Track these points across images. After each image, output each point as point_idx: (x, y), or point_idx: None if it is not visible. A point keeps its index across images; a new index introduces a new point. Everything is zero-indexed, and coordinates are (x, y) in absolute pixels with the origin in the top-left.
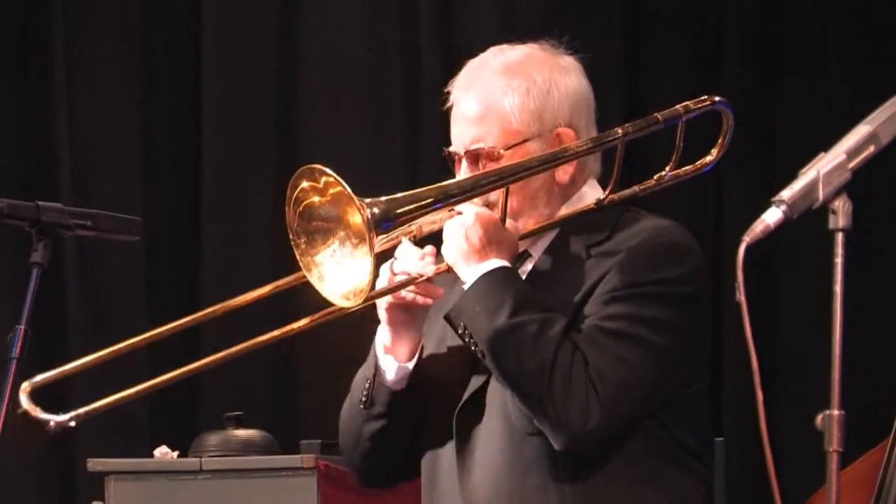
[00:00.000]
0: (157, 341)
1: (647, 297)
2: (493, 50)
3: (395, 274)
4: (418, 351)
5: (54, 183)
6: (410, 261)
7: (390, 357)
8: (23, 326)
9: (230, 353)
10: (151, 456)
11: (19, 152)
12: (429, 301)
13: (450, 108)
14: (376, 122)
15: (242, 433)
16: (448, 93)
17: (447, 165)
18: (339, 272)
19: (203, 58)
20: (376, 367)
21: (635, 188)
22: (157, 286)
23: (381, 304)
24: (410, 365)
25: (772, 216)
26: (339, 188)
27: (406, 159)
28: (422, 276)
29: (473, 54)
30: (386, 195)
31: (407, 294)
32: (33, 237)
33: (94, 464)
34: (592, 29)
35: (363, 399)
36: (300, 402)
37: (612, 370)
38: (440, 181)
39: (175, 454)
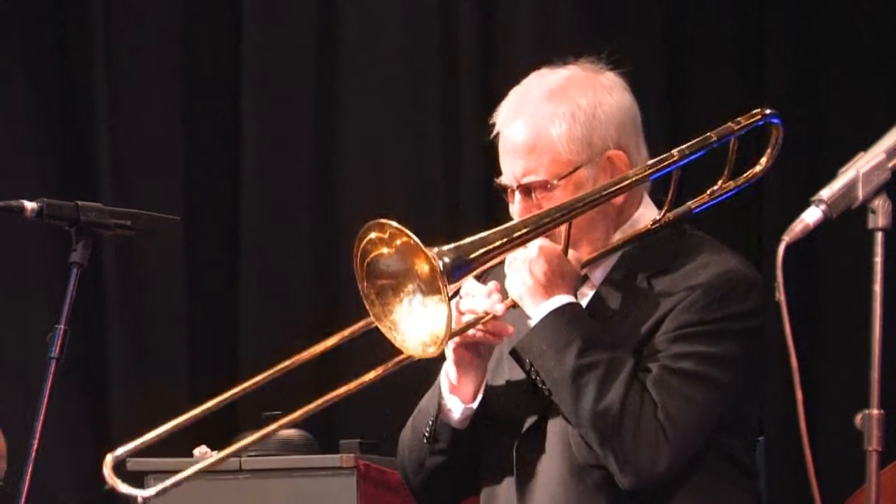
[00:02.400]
0: (195, 356)
1: (715, 334)
2: (534, 76)
3: (461, 313)
4: (482, 389)
5: (94, 183)
6: (478, 299)
7: (455, 397)
8: (62, 326)
9: (311, 409)
10: (191, 455)
11: (60, 152)
12: (497, 339)
13: (496, 137)
14: (415, 131)
15: (282, 433)
16: (493, 123)
17: (488, 177)
18: (413, 322)
19: (243, 59)
20: (440, 405)
21: (689, 205)
22: (197, 286)
23: (448, 344)
24: (475, 405)
25: (811, 216)
26: (406, 239)
27: (446, 173)
28: (489, 314)
29: (512, 64)
30: (423, 211)
31: (476, 333)
32: (73, 237)
33: (134, 463)
34: (632, 40)
35: (426, 434)
36: (339, 402)
37: (681, 412)
38: (481, 196)
39: (214, 453)
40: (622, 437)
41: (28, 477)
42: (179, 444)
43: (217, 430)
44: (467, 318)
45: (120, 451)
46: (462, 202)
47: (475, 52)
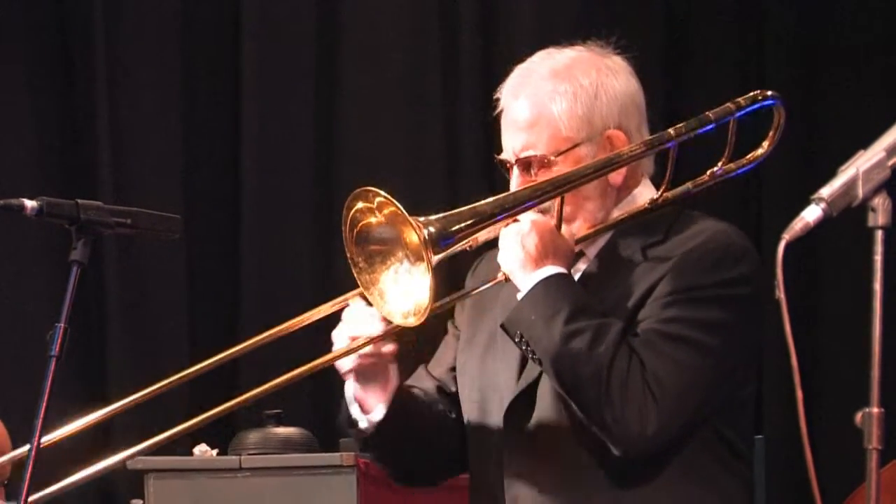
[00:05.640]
0: (196, 354)
1: (705, 299)
2: (540, 54)
3: (353, 339)
4: (392, 392)
5: (94, 181)
6: (360, 324)
7: (356, 407)
8: (62, 324)
9: (288, 377)
10: (191, 454)
11: (60, 150)
12: (381, 359)
13: (499, 114)
14: (415, 122)
15: (282, 431)
16: (497, 99)
17: (488, 164)
18: (399, 291)
19: (243, 58)
20: (349, 414)
21: (688, 185)
22: (198, 284)
23: (343, 369)
24: (377, 416)
25: (811, 214)
26: (394, 208)
27: (445, 157)
28: (371, 336)
29: (511, 57)
30: (425, 196)
31: (362, 359)
32: (73, 235)
33: (134, 462)
34: (633, 28)
35: (359, 442)
36: (339, 400)
37: (669, 374)
38: (480, 181)
39: (214, 452)
40: (610, 400)
41: (28, 475)
42: (180, 442)
43: (217, 429)
44: (352, 343)
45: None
46: (463, 200)
47: (476, 49)
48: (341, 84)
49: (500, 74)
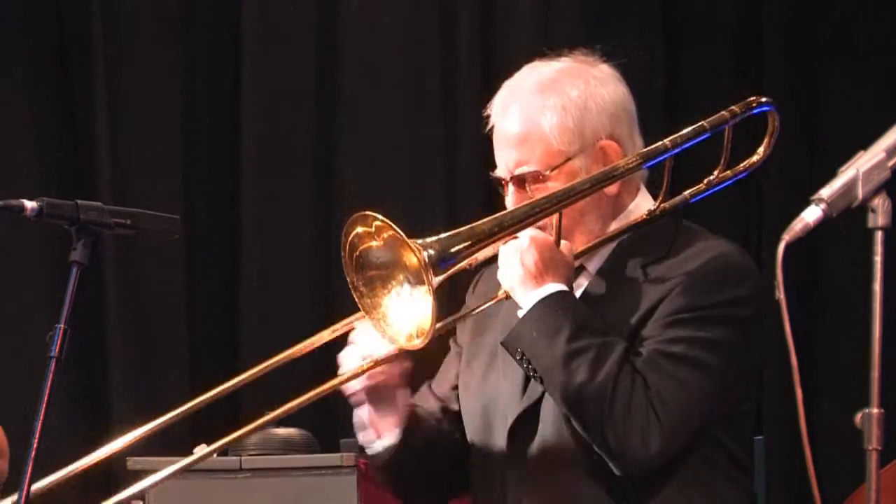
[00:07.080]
0: (195, 356)
1: (708, 319)
2: (526, 68)
3: (364, 359)
4: (406, 417)
5: (94, 182)
6: (371, 344)
7: (371, 433)
8: (62, 325)
9: (300, 402)
10: (192, 454)
11: (60, 151)
12: (392, 381)
13: (491, 130)
14: (415, 126)
15: (282, 432)
16: (487, 116)
17: (486, 171)
18: (401, 314)
19: (243, 58)
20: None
21: (685, 194)
22: (197, 285)
23: (352, 391)
24: (389, 441)
25: (811, 215)
26: (392, 232)
27: (445, 160)
28: (380, 357)
29: (511, 63)
30: (424, 201)
31: (377, 376)
32: (73, 236)
33: (134, 462)
34: (632, 29)
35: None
36: (340, 401)
37: (672, 395)
38: (479, 187)
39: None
40: (613, 419)
41: (28, 476)
42: (181, 443)
43: (219, 429)
44: (366, 363)
45: None
46: (461, 201)
47: (475, 53)
48: (341, 85)
49: (499, 78)
